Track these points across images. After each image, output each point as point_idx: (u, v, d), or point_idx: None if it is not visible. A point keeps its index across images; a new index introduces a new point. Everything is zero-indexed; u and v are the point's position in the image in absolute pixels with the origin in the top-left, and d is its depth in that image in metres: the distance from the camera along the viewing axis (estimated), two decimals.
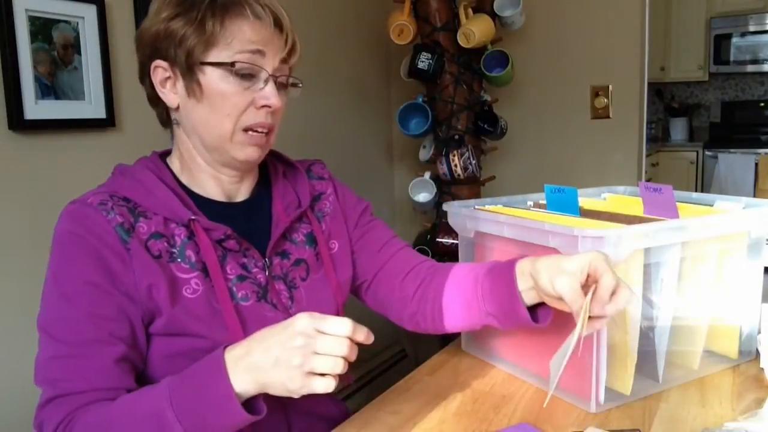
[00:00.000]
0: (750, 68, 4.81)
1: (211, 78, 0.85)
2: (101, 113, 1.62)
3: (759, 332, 1.01)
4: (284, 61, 0.89)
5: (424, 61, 2.40)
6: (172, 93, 0.89)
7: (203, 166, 0.92)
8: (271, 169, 1.02)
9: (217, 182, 0.94)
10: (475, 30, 2.34)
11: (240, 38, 0.84)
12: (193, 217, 0.85)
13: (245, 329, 0.85)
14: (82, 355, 0.78)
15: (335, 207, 1.04)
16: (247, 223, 0.94)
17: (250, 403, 0.73)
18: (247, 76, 0.86)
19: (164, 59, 0.87)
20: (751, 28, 4.70)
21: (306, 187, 1.01)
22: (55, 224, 0.84)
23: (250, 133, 0.88)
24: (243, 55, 0.84)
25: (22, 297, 1.49)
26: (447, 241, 2.46)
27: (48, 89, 1.51)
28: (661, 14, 4.71)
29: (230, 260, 0.88)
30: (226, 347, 0.74)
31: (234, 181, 0.95)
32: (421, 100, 2.55)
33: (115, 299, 0.80)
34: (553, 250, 0.90)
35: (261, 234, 0.94)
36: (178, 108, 0.90)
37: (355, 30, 2.76)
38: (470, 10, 2.45)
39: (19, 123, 1.45)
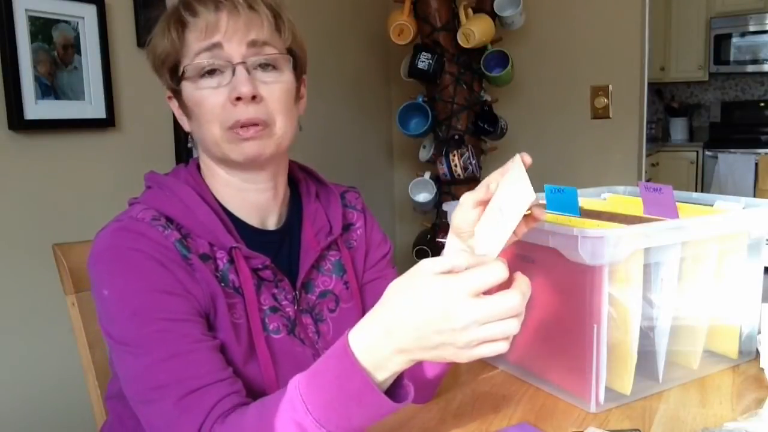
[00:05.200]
0: (750, 68, 4.81)
1: (188, 90, 0.83)
2: (101, 113, 1.62)
3: (759, 332, 1.01)
4: (254, 44, 0.82)
5: (424, 61, 2.40)
6: (183, 118, 0.88)
7: (228, 180, 0.88)
8: (303, 187, 0.97)
9: (245, 196, 0.89)
10: (475, 30, 2.35)
11: (190, 40, 0.81)
12: (234, 245, 0.83)
13: (275, 363, 0.83)
14: (187, 351, 0.74)
15: (361, 242, 1.00)
16: (278, 251, 0.91)
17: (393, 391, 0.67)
18: (213, 72, 0.81)
19: (167, 87, 0.86)
20: (751, 28, 4.70)
21: (339, 212, 0.97)
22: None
23: (236, 131, 0.82)
24: (200, 55, 0.81)
25: (21, 296, 1.49)
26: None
27: (48, 89, 1.51)
28: (661, 14, 4.71)
29: (264, 290, 0.86)
30: (348, 333, 0.64)
31: (263, 188, 0.89)
32: (421, 100, 2.55)
33: (191, 302, 0.78)
34: (554, 250, 0.90)
35: (290, 262, 0.91)
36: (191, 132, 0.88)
37: (355, 30, 2.76)
38: (470, 10, 2.46)
39: (19, 123, 1.45)
